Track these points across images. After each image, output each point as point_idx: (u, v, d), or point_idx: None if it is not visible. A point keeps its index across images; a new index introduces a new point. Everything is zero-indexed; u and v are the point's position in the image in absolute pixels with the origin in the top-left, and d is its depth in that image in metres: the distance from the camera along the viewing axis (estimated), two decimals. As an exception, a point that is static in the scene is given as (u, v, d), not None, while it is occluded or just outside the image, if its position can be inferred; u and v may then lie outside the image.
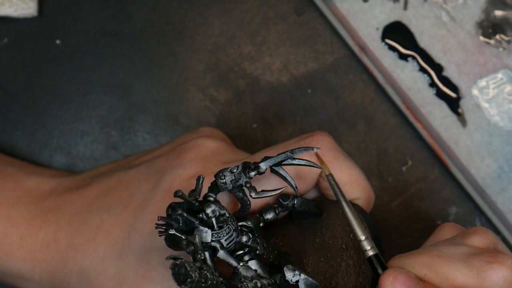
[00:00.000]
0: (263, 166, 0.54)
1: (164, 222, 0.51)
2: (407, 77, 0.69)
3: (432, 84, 0.69)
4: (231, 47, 0.71)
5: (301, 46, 0.71)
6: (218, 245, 0.52)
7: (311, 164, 0.55)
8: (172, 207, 0.52)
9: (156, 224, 0.52)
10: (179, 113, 0.71)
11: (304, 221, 0.58)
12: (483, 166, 0.68)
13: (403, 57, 0.69)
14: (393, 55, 0.69)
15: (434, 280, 0.52)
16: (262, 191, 0.54)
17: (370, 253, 0.53)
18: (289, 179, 0.55)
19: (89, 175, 0.65)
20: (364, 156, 0.70)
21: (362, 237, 0.53)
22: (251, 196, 0.54)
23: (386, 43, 0.69)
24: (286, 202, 0.56)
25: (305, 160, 0.55)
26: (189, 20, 0.72)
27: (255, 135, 0.71)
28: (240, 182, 0.54)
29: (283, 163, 0.55)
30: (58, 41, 0.71)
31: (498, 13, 0.70)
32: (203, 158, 0.59)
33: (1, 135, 0.70)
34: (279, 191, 0.55)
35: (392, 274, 0.52)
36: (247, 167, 0.54)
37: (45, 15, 0.71)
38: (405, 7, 0.70)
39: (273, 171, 0.55)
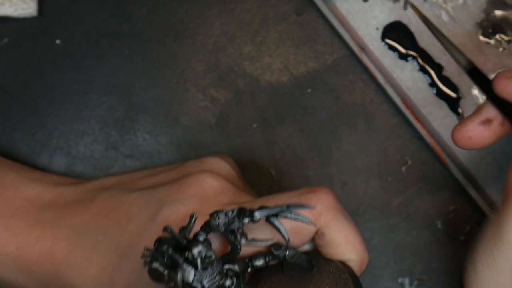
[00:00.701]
0: (257, 215, 0.54)
1: (150, 254, 0.52)
2: (407, 77, 0.69)
3: (432, 84, 0.69)
4: (231, 47, 0.71)
5: (301, 46, 0.71)
6: (199, 286, 0.52)
7: (306, 221, 0.55)
8: (159, 241, 0.52)
9: (142, 255, 0.52)
10: (179, 113, 0.71)
11: (294, 273, 0.58)
12: (483, 166, 0.68)
13: (403, 57, 0.69)
14: (393, 55, 0.69)
15: None
16: (253, 239, 0.55)
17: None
18: (283, 231, 0.55)
19: (92, 186, 0.65)
20: (364, 156, 0.70)
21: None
22: (241, 242, 0.54)
23: (386, 43, 0.69)
24: (277, 252, 0.56)
25: (301, 216, 0.55)
26: (189, 20, 0.72)
27: (255, 135, 0.71)
28: (233, 226, 0.54)
29: (280, 214, 0.55)
30: (58, 41, 0.71)
31: (498, 13, 0.70)
32: (203, 196, 0.59)
33: (1, 135, 0.70)
34: (269, 242, 0.55)
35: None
36: (242, 213, 0.54)
37: (45, 15, 0.71)
38: (405, 7, 0.70)
39: (268, 221, 0.55)
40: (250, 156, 0.70)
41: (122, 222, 0.60)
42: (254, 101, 0.71)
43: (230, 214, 0.54)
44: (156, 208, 0.59)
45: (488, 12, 0.70)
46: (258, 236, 0.56)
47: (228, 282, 0.53)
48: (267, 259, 0.56)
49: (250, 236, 0.55)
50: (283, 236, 0.55)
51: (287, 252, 0.56)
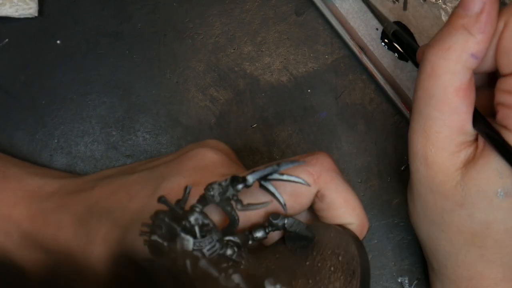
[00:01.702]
0: (250, 178, 0.54)
1: (148, 229, 0.51)
2: (407, 77, 0.69)
3: (432, 84, 0.69)
4: (231, 47, 0.72)
5: (301, 46, 0.71)
6: (199, 255, 0.51)
7: (301, 181, 0.55)
8: (156, 214, 0.51)
9: (141, 231, 0.51)
10: (180, 113, 0.71)
11: (296, 246, 0.58)
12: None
13: (403, 57, 0.69)
14: (392, 55, 0.69)
15: None
16: (248, 204, 0.54)
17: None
18: (277, 195, 0.55)
19: (92, 178, 0.65)
20: (364, 156, 0.70)
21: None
22: (237, 208, 0.54)
23: (386, 43, 0.69)
24: (276, 221, 0.56)
25: (295, 176, 0.55)
26: (190, 21, 0.72)
27: (255, 135, 0.71)
28: (227, 195, 0.53)
29: (272, 177, 0.54)
30: (58, 41, 0.71)
31: (498, 13, 0.70)
32: (203, 168, 0.59)
33: (1, 135, 0.70)
34: (264, 205, 0.54)
35: None
36: (235, 179, 0.54)
37: (45, 16, 0.71)
38: (405, 7, 0.70)
39: (262, 187, 0.55)
40: (250, 156, 0.70)
41: (123, 202, 0.60)
42: (254, 101, 0.71)
43: (224, 183, 0.53)
44: (157, 184, 0.59)
45: (487, 12, 0.70)
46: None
47: (229, 251, 0.53)
48: (266, 230, 0.56)
49: (245, 202, 0.55)
50: (277, 199, 0.55)
51: (285, 221, 0.56)
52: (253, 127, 0.71)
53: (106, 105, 0.71)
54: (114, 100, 0.71)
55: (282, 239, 0.58)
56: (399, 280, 0.69)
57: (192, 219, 0.51)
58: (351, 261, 0.56)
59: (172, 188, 0.58)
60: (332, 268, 0.56)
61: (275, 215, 0.56)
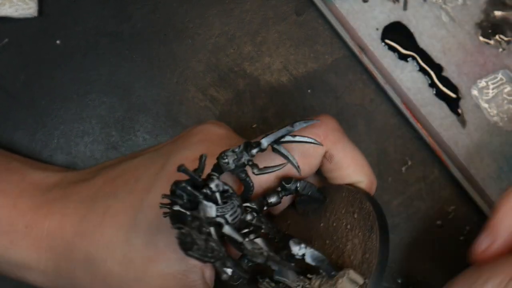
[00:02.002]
0: (264, 142, 0.54)
1: (169, 201, 0.51)
2: (407, 78, 0.69)
3: (432, 85, 0.69)
4: (231, 47, 0.71)
5: (301, 46, 0.71)
6: (223, 221, 0.51)
7: (313, 141, 0.55)
8: (175, 184, 0.51)
9: (161, 203, 0.51)
10: (179, 113, 0.71)
11: (307, 209, 0.58)
12: (483, 166, 0.68)
13: (403, 57, 0.69)
14: (392, 56, 0.69)
15: None
16: (264, 167, 0.54)
17: None
18: (291, 157, 0.55)
19: (94, 169, 0.65)
20: (364, 156, 0.70)
21: None
22: (253, 173, 0.54)
23: (386, 44, 0.69)
24: (289, 185, 0.56)
25: (306, 137, 0.55)
26: (189, 21, 0.72)
27: (255, 135, 0.71)
28: (243, 160, 0.54)
29: (285, 139, 0.55)
30: (58, 41, 0.71)
31: (498, 13, 0.70)
32: (208, 141, 0.59)
33: (1, 135, 0.70)
34: (281, 167, 0.54)
35: None
36: (248, 145, 0.54)
37: (45, 15, 0.71)
38: (405, 7, 0.70)
39: (275, 150, 0.55)
40: (250, 156, 0.70)
41: (130, 183, 0.60)
42: (254, 101, 0.71)
43: (237, 150, 0.53)
44: (164, 160, 0.59)
45: (487, 12, 0.70)
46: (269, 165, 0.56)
47: (249, 217, 0.53)
48: (280, 194, 0.57)
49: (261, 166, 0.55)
50: (291, 162, 0.55)
51: (298, 184, 0.56)
52: (253, 127, 0.71)
53: (106, 105, 0.71)
54: (114, 100, 0.71)
55: (291, 206, 0.59)
56: (399, 281, 0.69)
57: (213, 185, 0.51)
58: (368, 216, 0.56)
59: (180, 162, 0.57)
60: (348, 226, 0.56)
61: (287, 179, 0.56)
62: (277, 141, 0.55)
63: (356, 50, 0.70)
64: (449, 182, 0.70)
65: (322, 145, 0.57)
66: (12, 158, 0.67)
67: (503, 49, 0.69)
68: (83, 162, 0.70)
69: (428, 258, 0.69)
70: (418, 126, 0.70)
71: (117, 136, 0.71)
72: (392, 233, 0.70)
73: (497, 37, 0.69)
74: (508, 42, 0.69)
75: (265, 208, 0.56)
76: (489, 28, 0.69)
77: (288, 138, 0.55)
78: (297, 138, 0.55)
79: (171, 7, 0.72)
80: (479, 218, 0.70)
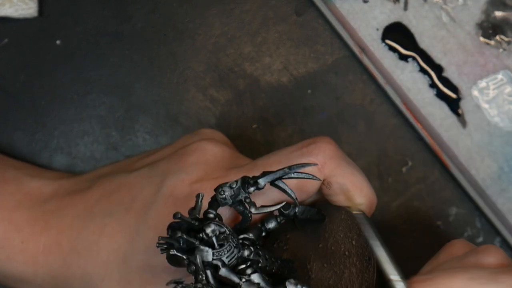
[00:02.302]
0: (261, 182, 0.54)
1: (165, 242, 0.52)
2: (407, 78, 0.69)
3: (432, 85, 0.69)
4: (231, 48, 0.71)
5: (301, 46, 0.71)
6: (219, 263, 0.52)
7: (311, 177, 0.55)
8: (172, 228, 0.52)
9: (157, 243, 0.52)
10: (179, 114, 0.71)
11: (307, 226, 0.58)
12: (483, 167, 0.68)
13: (403, 57, 0.69)
14: (393, 56, 0.69)
15: None
16: (262, 206, 0.55)
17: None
18: (289, 191, 0.55)
19: (90, 176, 0.65)
20: (364, 157, 0.70)
21: (393, 277, 0.53)
22: (251, 211, 0.54)
23: (386, 44, 0.69)
24: (287, 212, 0.56)
25: (304, 173, 0.55)
26: (189, 21, 0.72)
27: (255, 136, 0.71)
28: (240, 197, 0.54)
29: (283, 178, 0.55)
30: (58, 42, 0.71)
31: (498, 14, 0.70)
32: (205, 162, 0.59)
33: (1, 136, 0.70)
34: (278, 206, 0.55)
35: None
36: (246, 182, 0.54)
37: (45, 16, 0.71)
38: (405, 7, 0.70)
39: (272, 184, 0.55)
40: (250, 156, 0.70)
41: (125, 202, 0.60)
42: (254, 102, 0.71)
43: (234, 185, 0.54)
44: (160, 181, 0.59)
45: (488, 13, 0.70)
46: (266, 200, 0.56)
47: (246, 252, 0.53)
48: (278, 219, 0.57)
49: (258, 203, 0.55)
50: (290, 196, 0.55)
51: (296, 210, 0.56)
52: (253, 128, 0.71)
53: (106, 105, 0.71)
54: (114, 100, 0.71)
55: (292, 221, 0.59)
56: (399, 282, 0.69)
57: (209, 231, 0.52)
58: (365, 245, 0.56)
59: (176, 185, 0.58)
60: (346, 253, 0.56)
61: (286, 205, 0.56)
62: (275, 180, 0.55)
63: (356, 50, 0.70)
64: (449, 182, 0.70)
65: (320, 180, 0.56)
66: (7, 164, 0.66)
67: (504, 50, 0.69)
68: (83, 162, 0.70)
69: (428, 259, 0.69)
70: (418, 126, 0.69)
71: (117, 136, 0.70)
72: (392, 234, 0.70)
73: (497, 37, 0.69)
74: (508, 43, 0.69)
75: (263, 234, 0.57)
76: (490, 28, 0.69)
77: (286, 175, 0.55)
78: (294, 175, 0.55)
79: (171, 7, 0.72)
80: (480, 219, 0.70)
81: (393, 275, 0.55)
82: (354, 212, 0.58)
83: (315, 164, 0.56)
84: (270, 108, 0.71)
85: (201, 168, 0.59)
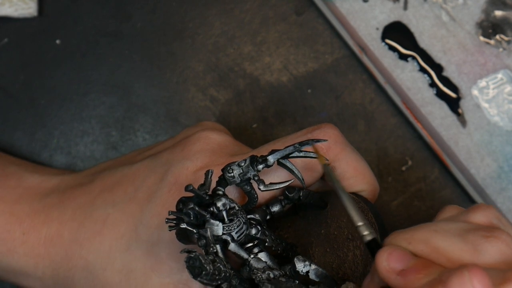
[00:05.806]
0: (271, 159, 0.54)
1: (174, 217, 0.52)
2: (407, 77, 0.69)
3: (432, 84, 0.69)
4: (231, 47, 0.71)
5: (301, 46, 0.71)
6: (229, 238, 0.52)
7: (317, 156, 0.55)
8: (183, 201, 0.52)
9: (167, 218, 0.52)
10: (179, 113, 0.71)
11: (308, 213, 0.58)
12: (483, 166, 0.68)
13: (403, 57, 0.69)
14: (393, 55, 0.69)
15: (430, 255, 0.51)
16: (270, 183, 0.55)
17: (368, 238, 0.52)
18: (296, 171, 0.55)
19: (91, 171, 0.65)
20: (364, 156, 0.70)
21: (360, 223, 0.52)
22: (259, 189, 0.54)
23: (386, 43, 0.69)
24: (292, 195, 0.57)
25: (311, 152, 0.55)
26: (189, 20, 0.72)
27: (255, 135, 0.71)
28: (248, 175, 0.54)
29: (290, 156, 0.55)
30: (58, 41, 0.71)
31: (498, 13, 0.70)
32: (209, 150, 0.59)
33: (1, 135, 0.70)
34: (287, 183, 0.55)
35: (387, 251, 0.51)
36: (254, 160, 0.54)
37: (45, 15, 0.71)
38: (405, 7, 0.70)
39: (280, 164, 0.55)
40: (250, 156, 0.70)
41: (129, 192, 0.60)
42: (254, 101, 0.71)
43: (243, 164, 0.54)
44: (164, 170, 0.59)
45: (488, 12, 0.70)
46: (274, 179, 0.57)
47: (253, 231, 0.54)
48: (283, 203, 0.57)
49: (266, 181, 0.55)
50: (297, 176, 0.55)
51: (301, 193, 0.57)
52: (253, 127, 0.71)
53: (105, 105, 0.71)
54: (114, 100, 0.71)
55: (293, 208, 0.59)
56: (399, 281, 0.69)
57: (220, 204, 0.52)
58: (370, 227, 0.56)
59: (181, 173, 0.58)
60: (350, 236, 0.57)
61: (291, 188, 0.57)
62: (284, 157, 0.55)
63: (356, 49, 0.70)
64: (449, 182, 0.70)
65: (328, 161, 0.57)
66: (9, 161, 0.66)
67: (504, 49, 0.69)
68: (82, 162, 0.70)
69: (428, 258, 0.69)
70: (418, 125, 0.70)
71: (117, 136, 0.70)
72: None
73: (497, 37, 0.69)
74: (508, 42, 0.69)
75: (268, 217, 0.57)
76: (490, 28, 0.69)
77: (294, 152, 0.55)
78: (302, 154, 0.55)
79: (171, 7, 0.72)
80: (479, 218, 0.70)
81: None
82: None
83: (325, 140, 0.56)
84: (270, 108, 0.71)
85: (206, 156, 0.59)
